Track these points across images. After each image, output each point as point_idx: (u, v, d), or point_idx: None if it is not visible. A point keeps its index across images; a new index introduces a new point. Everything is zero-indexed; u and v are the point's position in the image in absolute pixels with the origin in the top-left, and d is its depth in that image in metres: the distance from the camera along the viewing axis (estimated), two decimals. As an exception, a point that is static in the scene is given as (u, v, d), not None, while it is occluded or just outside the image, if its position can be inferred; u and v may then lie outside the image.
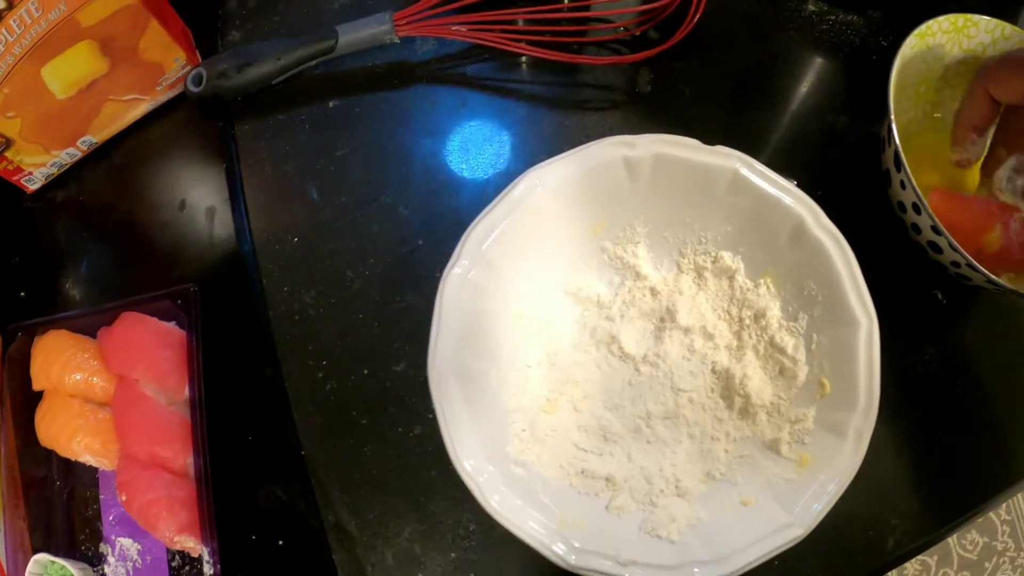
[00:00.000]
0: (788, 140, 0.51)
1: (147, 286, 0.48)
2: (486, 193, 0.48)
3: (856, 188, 0.50)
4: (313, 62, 0.52)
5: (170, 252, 0.51)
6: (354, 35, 0.51)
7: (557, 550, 0.38)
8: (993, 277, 0.41)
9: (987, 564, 1.02)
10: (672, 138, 0.43)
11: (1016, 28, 0.47)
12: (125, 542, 0.49)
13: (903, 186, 0.44)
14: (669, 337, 0.44)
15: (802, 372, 0.42)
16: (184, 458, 0.44)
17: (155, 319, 0.47)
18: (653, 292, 0.45)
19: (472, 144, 0.51)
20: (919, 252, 0.46)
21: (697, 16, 0.50)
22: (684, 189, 0.44)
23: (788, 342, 0.43)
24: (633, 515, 0.41)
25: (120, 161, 0.55)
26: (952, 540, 1.04)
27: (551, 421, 0.43)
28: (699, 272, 0.45)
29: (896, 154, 0.43)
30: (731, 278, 0.45)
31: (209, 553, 0.43)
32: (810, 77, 0.54)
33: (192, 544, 0.44)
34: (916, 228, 0.45)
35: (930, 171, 0.49)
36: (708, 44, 0.53)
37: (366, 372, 0.47)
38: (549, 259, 0.44)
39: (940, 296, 0.50)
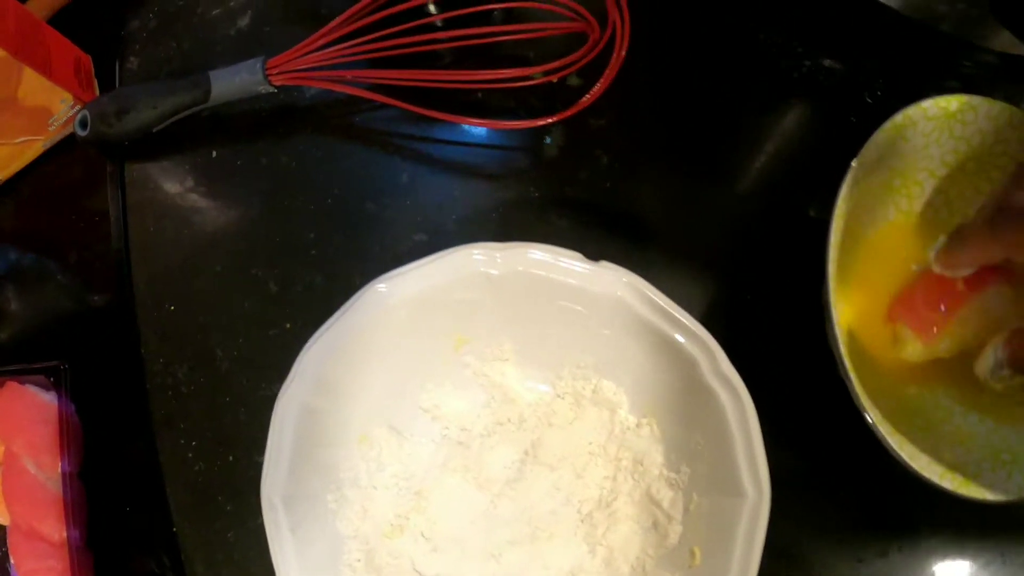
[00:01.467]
0: (717, 227, 0.43)
1: (24, 350, 0.48)
2: (356, 276, 0.44)
3: (793, 291, 0.41)
4: (193, 110, 0.47)
5: (49, 312, 0.50)
6: (227, 83, 0.45)
7: None
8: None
9: None
10: (546, 252, 0.37)
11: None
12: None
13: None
14: (532, 472, 0.40)
15: (674, 533, 0.37)
16: (61, 531, 0.46)
17: (34, 391, 0.47)
18: (520, 419, 0.40)
19: (351, 210, 0.46)
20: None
21: (621, 54, 0.40)
22: (558, 312, 0.38)
23: (665, 496, 0.38)
24: None
25: (25, 199, 0.53)
26: None
27: (393, 547, 0.41)
28: (577, 399, 0.40)
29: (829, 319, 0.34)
30: (612, 411, 0.39)
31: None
32: (756, 144, 0.43)
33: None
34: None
35: (887, 277, 0.39)
36: (635, 99, 0.43)
37: (231, 458, 0.46)
38: (404, 374, 0.40)
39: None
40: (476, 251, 0.37)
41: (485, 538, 0.41)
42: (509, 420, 0.41)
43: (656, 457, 0.38)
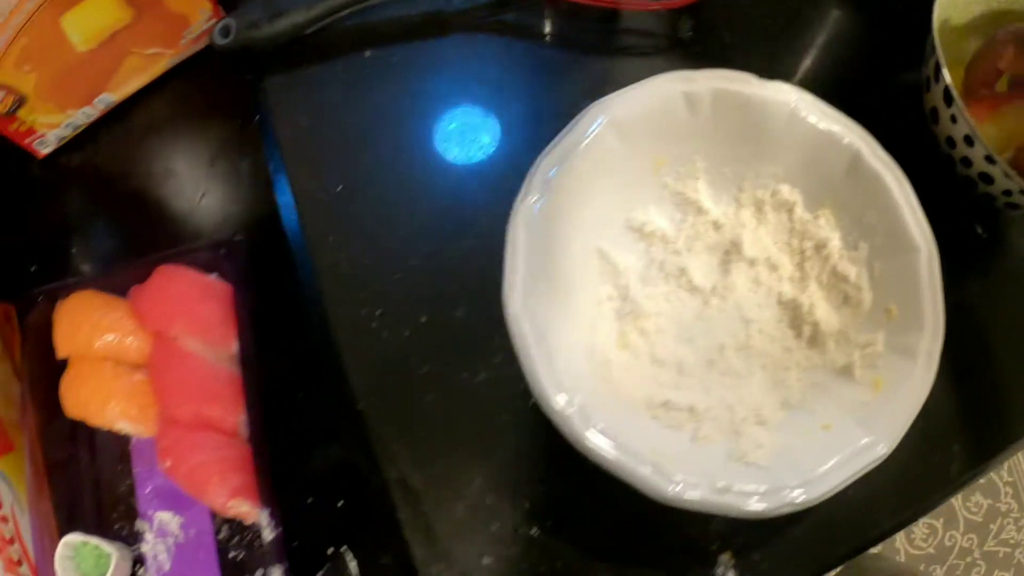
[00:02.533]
0: (828, 84, 0.51)
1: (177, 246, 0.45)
2: (533, 137, 0.47)
3: (896, 130, 0.49)
4: (345, 12, 0.50)
5: (201, 211, 0.48)
6: (388, -20, 0.49)
7: (653, 482, 0.36)
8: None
9: (992, 526, 1.04)
10: (730, 73, 0.43)
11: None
12: (164, 516, 0.45)
13: (954, 120, 0.44)
14: (735, 269, 0.44)
15: (867, 299, 0.42)
16: (234, 417, 0.41)
17: (195, 271, 0.44)
18: (716, 226, 0.45)
19: (515, 90, 0.50)
20: (961, 188, 0.46)
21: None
22: (742, 124, 0.43)
23: (850, 271, 0.42)
24: (719, 445, 0.39)
25: (140, 121, 0.52)
26: (957, 502, 1.05)
27: (625, 358, 0.42)
28: (758, 206, 0.45)
29: (946, 90, 0.43)
30: (790, 211, 0.44)
31: (268, 515, 0.40)
32: (848, 24, 0.54)
33: (246, 508, 0.41)
34: (966, 161, 0.45)
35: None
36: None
37: (423, 320, 0.45)
38: (613, 194, 0.43)
39: (980, 230, 0.50)
40: (673, 77, 0.43)
41: (704, 342, 0.43)
42: (705, 231, 0.44)
43: (835, 242, 0.43)
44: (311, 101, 0.50)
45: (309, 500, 0.43)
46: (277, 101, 0.50)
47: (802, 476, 0.37)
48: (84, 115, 0.51)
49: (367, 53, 0.51)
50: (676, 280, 0.44)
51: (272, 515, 0.40)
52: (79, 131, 0.52)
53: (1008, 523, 1.03)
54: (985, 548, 1.03)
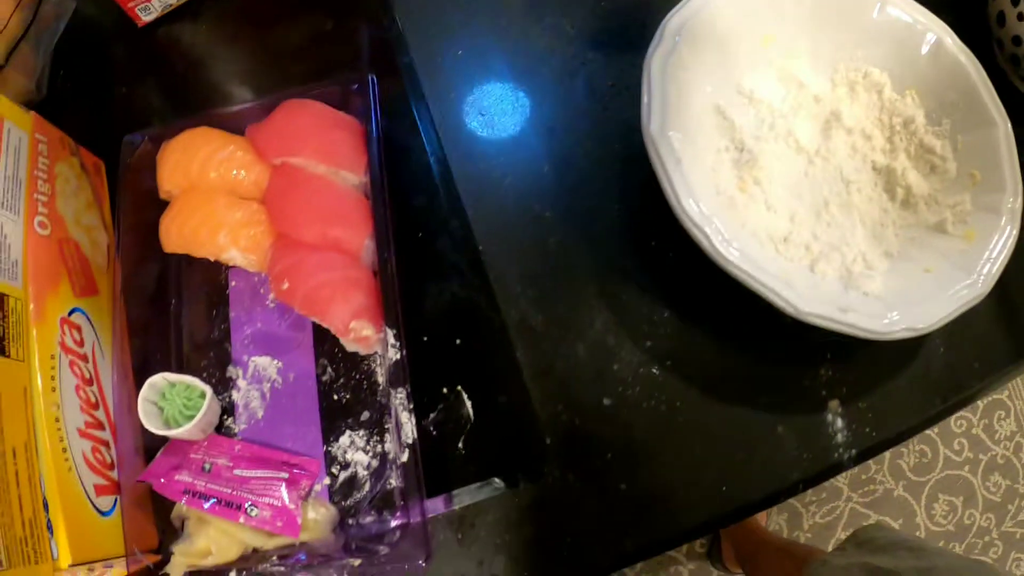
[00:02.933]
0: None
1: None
2: (647, 13, 0.48)
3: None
4: None
5: (315, 72, 0.49)
6: None
7: (787, 295, 0.38)
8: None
9: (1010, 506, 1.06)
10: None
11: None
12: (261, 361, 0.43)
13: (1020, 18, 0.48)
14: (835, 136, 0.47)
15: (952, 168, 0.45)
16: (360, 239, 0.41)
17: (321, 103, 0.44)
18: (816, 99, 0.48)
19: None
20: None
21: None
22: (840, 12, 0.47)
23: (936, 143, 0.46)
24: (835, 279, 0.42)
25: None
26: (976, 481, 1.07)
27: (744, 200, 0.44)
28: (851, 86, 0.48)
29: None
30: (880, 92, 0.48)
31: (395, 336, 0.39)
32: None
33: (369, 332, 0.40)
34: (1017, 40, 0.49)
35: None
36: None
37: (546, 169, 0.46)
38: (726, 61, 0.46)
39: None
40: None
41: (810, 197, 0.45)
42: (807, 102, 0.48)
43: (920, 119, 0.47)
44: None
45: (425, 339, 0.42)
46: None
47: (913, 306, 0.40)
48: (191, -20, 0.52)
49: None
50: (784, 140, 0.46)
51: (399, 335, 0.39)
52: (184, 1, 0.52)
53: (1027, 504, 1.06)
54: (1003, 528, 1.05)
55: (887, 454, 1.08)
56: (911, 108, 0.47)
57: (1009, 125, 0.44)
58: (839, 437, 0.42)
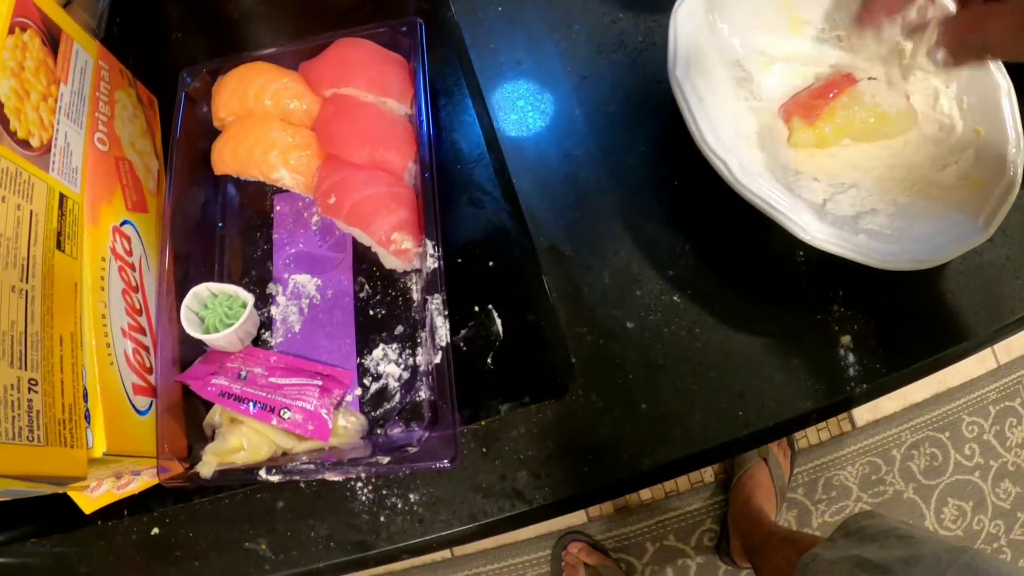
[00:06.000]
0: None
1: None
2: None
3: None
4: None
5: (366, 17, 0.51)
6: None
7: (801, 221, 0.40)
8: None
9: (1019, 514, 1.05)
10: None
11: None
12: (301, 279, 0.45)
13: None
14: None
15: (959, 125, 0.47)
16: (405, 161, 0.43)
17: (371, 42, 0.47)
18: (833, 65, 0.50)
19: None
20: None
21: None
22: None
23: (944, 104, 0.48)
24: (846, 214, 0.43)
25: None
26: (987, 487, 1.07)
27: (761, 142, 0.46)
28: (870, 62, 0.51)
29: None
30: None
31: (433, 247, 0.41)
32: None
33: (408, 245, 0.42)
34: None
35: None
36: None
37: (577, 112, 0.48)
38: (749, 19, 0.48)
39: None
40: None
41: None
42: (824, 64, 0.50)
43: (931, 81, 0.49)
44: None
45: (459, 260, 0.44)
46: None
47: (919, 242, 0.42)
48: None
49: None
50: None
51: (437, 245, 0.40)
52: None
53: (1037, 510, 1.05)
54: (1012, 536, 1.05)
55: (897, 455, 1.08)
56: (922, 83, 0.49)
57: (1011, 87, 0.46)
58: (851, 371, 0.43)
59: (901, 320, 0.45)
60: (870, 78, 0.47)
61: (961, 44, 0.36)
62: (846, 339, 0.44)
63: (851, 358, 0.43)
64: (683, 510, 1.04)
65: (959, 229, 0.42)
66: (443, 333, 0.40)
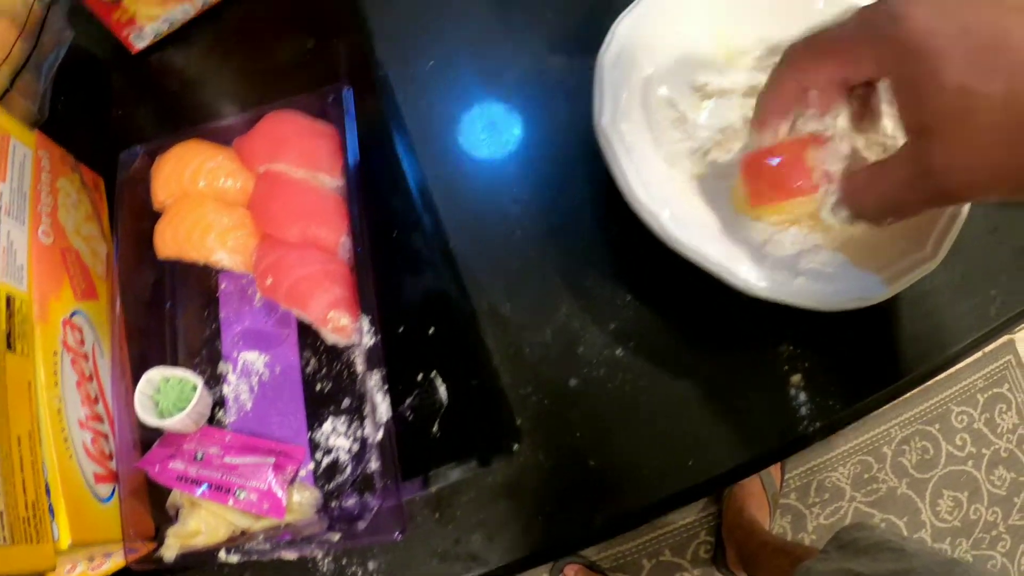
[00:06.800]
0: None
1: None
2: (604, 16, 0.51)
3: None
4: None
5: (298, 86, 0.52)
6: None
7: (738, 273, 0.40)
8: None
9: (1016, 499, 1.05)
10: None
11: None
12: (250, 356, 0.46)
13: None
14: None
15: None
16: (337, 236, 0.44)
17: (301, 114, 0.47)
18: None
19: None
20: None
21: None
22: (790, 4, 0.50)
23: (888, 125, 0.47)
24: (786, 255, 0.43)
25: (232, 21, 0.56)
26: (981, 475, 1.07)
27: (697, 187, 0.46)
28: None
29: None
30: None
31: (369, 323, 0.41)
32: None
33: (346, 322, 0.43)
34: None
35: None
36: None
37: (511, 168, 0.48)
38: (680, 56, 0.48)
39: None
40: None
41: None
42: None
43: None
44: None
45: (400, 329, 0.45)
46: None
47: (864, 278, 0.41)
48: (182, 11, 0.55)
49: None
50: (736, 131, 0.48)
51: (372, 322, 0.41)
52: (174, 29, 0.56)
53: (1033, 496, 1.05)
54: (1010, 521, 1.05)
55: (888, 452, 1.08)
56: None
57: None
58: (803, 411, 0.43)
59: (853, 353, 0.45)
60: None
61: (859, 206, 0.36)
62: (796, 378, 0.44)
63: (802, 397, 0.44)
64: (677, 524, 1.05)
65: (906, 261, 0.42)
66: (384, 409, 0.40)
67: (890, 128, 0.41)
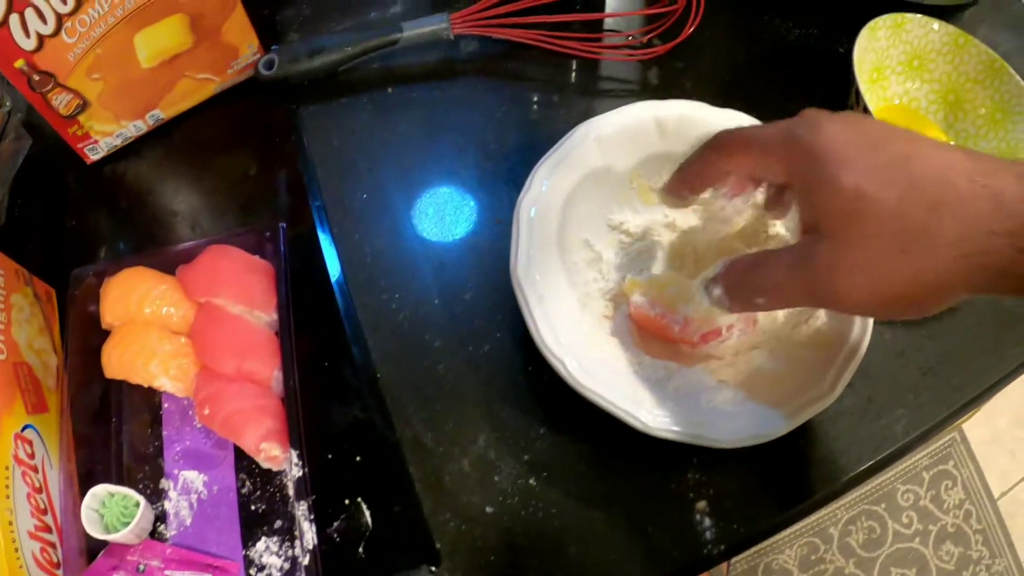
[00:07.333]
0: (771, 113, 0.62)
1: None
2: (529, 158, 0.55)
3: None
4: (375, 53, 0.60)
5: (241, 209, 0.55)
6: (416, 31, 0.59)
7: (640, 416, 0.44)
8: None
9: (964, 573, 1.08)
10: (692, 103, 0.53)
11: (943, 24, 0.58)
12: (189, 475, 0.49)
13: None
14: (697, 264, 0.52)
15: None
16: (269, 371, 0.47)
17: (241, 250, 0.50)
18: (681, 230, 0.53)
19: (517, 119, 0.59)
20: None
21: (696, 21, 0.61)
22: (700, 141, 0.53)
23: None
24: (689, 393, 0.47)
25: (184, 140, 0.59)
26: (929, 552, 1.10)
27: (609, 326, 0.49)
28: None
29: (864, 108, 0.54)
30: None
31: (297, 456, 0.45)
32: (782, 74, 0.64)
33: (277, 452, 0.46)
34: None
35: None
36: (701, 49, 0.64)
37: (436, 302, 0.52)
38: (596, 196, 0.51)
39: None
40: (647, 105, 0.53)
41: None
42: (669, 233, 0.53)
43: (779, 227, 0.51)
44: (341, 126, 0.58)
45: (329, 456, 0.48)
46: (311, 125, 0.58)
47: (761, 415, 0.45)
48: (135, 128, 0.58)
49: (390, 89, 0.60)
50: (648, 269, 0.52)
51: (300, 456, 0.45)
52: (127, 143, 0.59)
53: (980, 570, 1.07)
54: None
55: (834, 532, 1.11)
56: (776, 227, 0.52)
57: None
58: (708, 535, 0.46)
59: (759, 479, 0.47)
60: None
61: (734, 280, 0.38)
62: (702, 504, 0.47)
63: (707, 522, 0.47)
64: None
65: (804, 397, 0.45)
66: (310, 536, 0.44)
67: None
